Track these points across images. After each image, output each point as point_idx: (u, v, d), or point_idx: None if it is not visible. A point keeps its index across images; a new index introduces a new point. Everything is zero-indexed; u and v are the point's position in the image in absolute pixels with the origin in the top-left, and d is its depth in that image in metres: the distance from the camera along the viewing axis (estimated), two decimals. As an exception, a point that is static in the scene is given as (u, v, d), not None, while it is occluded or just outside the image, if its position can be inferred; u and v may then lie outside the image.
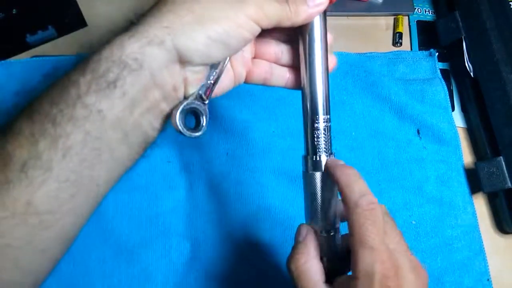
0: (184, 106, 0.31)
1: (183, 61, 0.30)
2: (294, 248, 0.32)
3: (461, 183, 0.55)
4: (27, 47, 0.60)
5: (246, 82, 0.37)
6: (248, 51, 0.36)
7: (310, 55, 0.33)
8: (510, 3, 0.57)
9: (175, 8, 0.29)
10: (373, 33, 0.65)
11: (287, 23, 0.32)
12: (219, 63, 0.32)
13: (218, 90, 0.34)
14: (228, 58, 0.33)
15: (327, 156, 0.33)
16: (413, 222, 0.53)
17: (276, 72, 0.37)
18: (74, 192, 0.28)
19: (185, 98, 0.32)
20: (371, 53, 0.61)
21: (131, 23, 0.29)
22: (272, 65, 0.37)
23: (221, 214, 0.51)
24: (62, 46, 0.61)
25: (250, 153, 0.54)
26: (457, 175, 0.55)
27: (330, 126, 0.34)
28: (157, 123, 0.31)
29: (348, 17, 0.66)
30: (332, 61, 0.35)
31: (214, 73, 0.32)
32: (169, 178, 0.52)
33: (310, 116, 0.33)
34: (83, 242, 0.46)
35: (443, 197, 0.54)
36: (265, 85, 0.37)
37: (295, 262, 0.31)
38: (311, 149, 0.33)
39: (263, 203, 0.52)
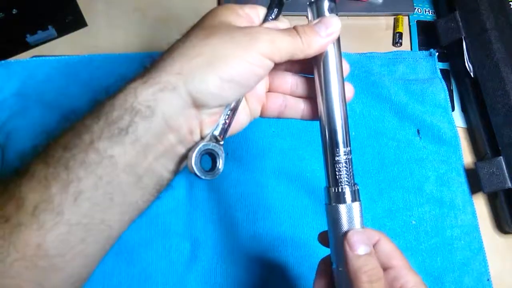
0: (200, 148, 0.30)
1: (198, 105, 0.29)
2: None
3: (461, 183, 0.55)
4: (27, 47, 0.60)
5: (261, 116, 0.36)
6: (262, 86, 0.35)
7: (326, 85, 0.33)
8: (510, 3, 0.57)
9: (185, 51, 0.29)
10: (373, 33, 0.65)
11: (300, 55, 0.31)
12: (233, 102, 0.32)
13: (235, 127, 0.34)
14: (242, 96, 0.33)
15: (350, 187, 0.32)
16: (413, 222, 0.53)
17: (291, 104, 0.36)
18: (85, 235, 0.28)
19: (202, 138, 0.31)
20: (371, 53, 0.61)
21: (145, 69, 0.29)
22: (287, 97, 0.36)
23: (221, 214, 0.51)
24: (62, 46, 0.61)
25: (250, 153, 0.54)
26: (457, 175, 0.55)
27: (351, 158, 0.33)
28: (172, 166, 0.31)
29: (348, 17, 0.66)
30: (350, 90, 0.34)
31: (229, 112, 0.32)
32: (169, 178, 0.52)
33: (330, 149, 0.33)
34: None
35: (443, 197, 0.54)
36: (280, 117, 0.37)
37: None
38: (333, 181, 0.33)
39: (263, 203, 0.52)
